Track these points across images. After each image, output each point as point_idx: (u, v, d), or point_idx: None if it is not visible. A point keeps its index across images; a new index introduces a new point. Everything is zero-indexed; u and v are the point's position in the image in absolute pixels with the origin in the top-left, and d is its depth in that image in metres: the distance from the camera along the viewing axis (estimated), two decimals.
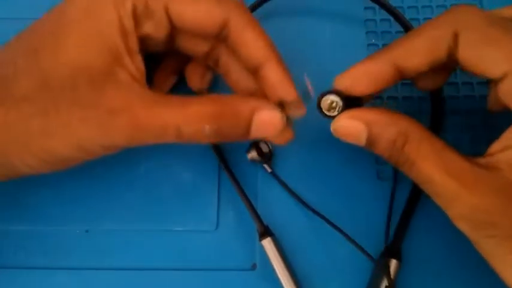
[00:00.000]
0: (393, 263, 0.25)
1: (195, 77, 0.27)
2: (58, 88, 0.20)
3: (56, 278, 0.26)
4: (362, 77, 0.21)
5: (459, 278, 0.26)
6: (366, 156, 0.28)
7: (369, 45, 0.31)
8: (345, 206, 0.27)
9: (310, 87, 0.22)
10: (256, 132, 0.21)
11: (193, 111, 0.20)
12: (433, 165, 0.19)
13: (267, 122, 0.21)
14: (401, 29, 0.30)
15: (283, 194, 0.27)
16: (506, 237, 0.18)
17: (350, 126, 0.21)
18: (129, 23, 0.21)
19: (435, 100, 0.28)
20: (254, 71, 0.23)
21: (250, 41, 0.23)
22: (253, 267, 0.26)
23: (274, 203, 0.27)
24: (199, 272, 0.26)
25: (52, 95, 0.20)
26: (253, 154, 0.27)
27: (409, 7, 0.32)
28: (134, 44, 0.22)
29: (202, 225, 0.27)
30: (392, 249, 0.25)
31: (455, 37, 0.20)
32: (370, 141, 0.21)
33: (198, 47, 0.25)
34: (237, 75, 0.25)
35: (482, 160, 0.19)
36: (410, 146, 0.20)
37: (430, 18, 0.31)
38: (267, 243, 0.25)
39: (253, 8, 0.30)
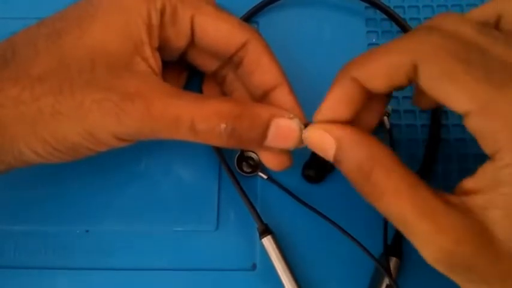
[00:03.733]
0: (394, 261, 0.25)
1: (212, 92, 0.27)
2: (76, 69, 0.20)
3: (56, 278, 0.26)
4: (334, 106, 0.20)
5: None
6: None
7: (369, 44, 0.31)
8: (345, 206, 0.27)
9: None
10: (273, 139, 0.21)
11: (211, 107, 0.20)
12: (404, 201, 0.17)
13: (285, 130, 0.21)
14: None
15: (283, 193, 0.27)
16: (483, 281, 0.17)
17: (319, 138, 0.20)
18: (156, 20, 0.22)
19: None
20: (263, 95, 0.24)
21: (266, 65, 0.23)
22: (253, 267, 0.26)
23: (274, 202, 0.27)
24: (199, 272, 0.26)
25: (68, 75, 0.20)
26: (245, 168, 0.28)
27: (409, 6, 0.32)
28: (156, 41, 0.22)
29: (202, 225, 0.27)
30: (393, 247, 0.25)
31: (415, 67, 0.18)
32: (337, 159, 0.19)
33: (209, 64, 0.25)
34: (239, 95, 0.26)
35: (456, 199, 0.18)
36: (379, 174, 0.18)
37: (430, 18, 0.31)
38: (267, 242, 0.25)
39: (256, 11, 0.30)
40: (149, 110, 0.20)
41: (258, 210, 0.26)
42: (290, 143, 0.21)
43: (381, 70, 0.19)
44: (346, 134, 0.19)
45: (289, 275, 0.24)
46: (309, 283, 0.26)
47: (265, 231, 0.25)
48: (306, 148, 0.28)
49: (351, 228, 0.25)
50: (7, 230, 0.27)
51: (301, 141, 0.21)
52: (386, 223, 0.25)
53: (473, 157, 0.28)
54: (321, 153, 0.20)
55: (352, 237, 0.24)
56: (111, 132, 0.20)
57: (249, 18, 0.30)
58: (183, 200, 0.27)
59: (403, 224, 0.18)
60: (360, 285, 0.26)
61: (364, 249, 0.24)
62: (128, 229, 0.27)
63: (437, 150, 0.27)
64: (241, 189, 0.26)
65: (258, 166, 0.27)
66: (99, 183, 0.28)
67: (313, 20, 0.32)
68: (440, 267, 0.17)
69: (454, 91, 0.17)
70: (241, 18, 0.30)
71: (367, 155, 0.18)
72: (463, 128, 0.29)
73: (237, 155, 0.28)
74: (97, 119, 0.20)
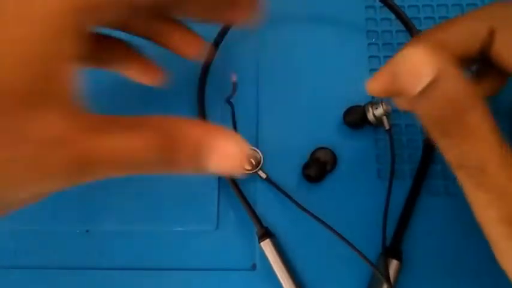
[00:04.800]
0: (394, 264, 0.25)
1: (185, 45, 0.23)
2: None
3: (56, 278, 0.26)
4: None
5: (460, 278, 0.26)
6: (365, 155, 0.28)
7: (369, 44, 0.31)
8: (345, 205, 0.27)
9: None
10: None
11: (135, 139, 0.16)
12: (492, 151, 0.17)
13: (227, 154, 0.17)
14: (402, 28, 0.29)
15: (283, 195, 0.27)
16: None
17: (419, 61, 0.17)
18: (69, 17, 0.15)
19: None
20: None
21: None
22: (253, 267, 0.26)
23: (273, 204, 0.27)
24: (199, 272, 0.26)
25: None
26: (245, 165, 0.27)
27: (409, 6, 0.32)
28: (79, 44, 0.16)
29: (202, 225, 0.27)
30: (393, 249, 0.25)
31: (491, 33, 0.19)
32: (428, 89, 0.17)
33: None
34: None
35: None
36: (474, 115, 0.17)
37: (430, 17, 0.31)
38: (267, 245, 0.25)
39: None
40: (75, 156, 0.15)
41: (258, 211, 0.26)
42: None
43: (458, 35, 0.19)
44: (451, 65, 0.17)
45: (289, 277, 0.25)
46: (309, 285, 0.26)
47: (264, 234, 0.25)
48: (305, 148, 0.28)
49: (350, 228, 0.25)
50: (7, 230, 0.27)
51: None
52: (385, 223, 0.25)
53: None
54: (409, 78, 0.17)
55: (348, 243, 0.24)
56: (29, 190, 0.16)
57: None
58: (183, 200, 0.27)
59: (481, 173, 0.17)
60: (360, 287, 0.26)
61: (361, 254, 0.24)
62: (128, 229, 0.27)
63: (434, 151, 0.27)
64: (240, 192, 0.26)
65: (258, 164, 0.27)
66: (99, 183, 0.27)
67: (313, 19, 0.31)
68: (502, 228, 0.17)
69: None
70: None
71: (467, 93, 0.17)
72: None
73: None
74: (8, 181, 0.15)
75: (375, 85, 0.19)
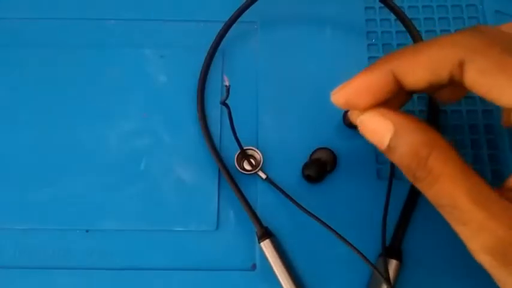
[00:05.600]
0: (393, 264, 0.25)
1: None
2: None
3: (56, 278, 0.26)
4: (360, 89, 0.20)
5: (460, 278, 0.26)
6: (365, 155, 0.28)
7: (369, 45, 0.31)
8: (345, 205, 0.27)
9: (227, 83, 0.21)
10: None
11: None
12: (459, 187, 0.18)
13: None
14: (402, 29, 0.29)
15: (283, 195, 0.27)
16: None
17: (378, 123, 0.20)
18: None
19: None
20: None
21: None
22: (253, 267, 0.26)
23: (273, 204, 0.27)
24: (199, 272, 0.26)
25: None
26: (246, 166, 0.28)
27: (409, 7, 0.32)
28: None
29: (202, 225, 0.27)
30: (392, 249, 0.25)
31: (461, 62, 0.18)
32: (392, 144, 0.19)
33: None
34: None
35: (505, 193, 0.19)
36: (436, 160, 0.18)
37: (430, 18, 0.31)
38: (267, 245, 0.25)
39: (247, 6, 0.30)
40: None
41: (258, 211, 0.26)
42: None
43: (424, 64, 0.19)
44: (404, 119, 0.19)
45: (289, 278, 0.24)
46: (309, 285, 0.26)
47: (264, 234, 0.25)
48: (305, 148, 0.28)
49: (350, 228, 0.25)
50: (7, 230, 0.27)
51: None
52: (385, 223, 0.25)
53: (473, 156, 0.28)
54: (375, 140, 0.20)
55: (348, 243, 0.24)
56: None
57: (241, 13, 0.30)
58: (183, 200, 0.27)
59: (454, 210, 0.18)
60: (360, 286, 0.26)
61: (361, 255, 0.24)
62: (128, 229, 0.27)
63: None
64: (240, 193, 0.26)
65: (258, 164, 0.27)
66: (99, 183, 0.28)
67: (312, 21, 0.32)
68: (488, 259, 0.17)
69: (506, 83, 0.17)
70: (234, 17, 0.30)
71: (425, 140, 0.19)
72: (462, 128, 0.29)
73: (237, 153, 0.28)
74: None
75: (338, 98, 0.21)
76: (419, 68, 0.19)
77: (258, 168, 0.27)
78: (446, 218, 0.19)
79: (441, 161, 0.18)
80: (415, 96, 0.29)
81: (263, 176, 0.27)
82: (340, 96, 0.21)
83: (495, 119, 0.29)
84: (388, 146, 0.19)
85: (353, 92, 0.20)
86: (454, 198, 0.18)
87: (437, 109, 0.28)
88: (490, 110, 0.29)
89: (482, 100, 0.29)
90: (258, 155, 0.27)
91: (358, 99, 0.20)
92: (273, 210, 0.27)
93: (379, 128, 0.20)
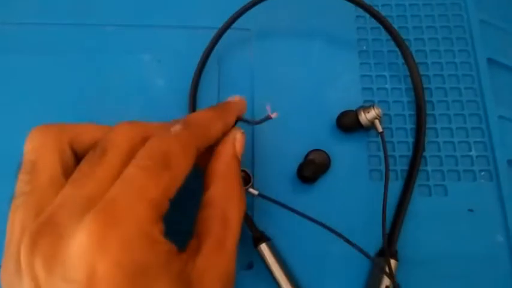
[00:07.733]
0: (392, 263, 0.25)
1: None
2: None
3: None
4: None
5: (456, 278, 0.26)
6: (358, 157, 0.29)
7: (360, 52, 0.32)
8: (338, 206, 0.28)
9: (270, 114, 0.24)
10: None
11: None
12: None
13: None
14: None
15: (279, 195, 0.27)
16: None
17: None
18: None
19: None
20: None
21: None
22: (250, 266, 0.26)
23: (269, 208, 0.27)
24: None
25: None
26: None
27: (398, 16, 0.33)
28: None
29: None
30: (388, 248, 0.26)
31: None
32: None
33: None
34: None
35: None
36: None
37: (418, 27, 0.32)
38: (263, 249, 0.25)
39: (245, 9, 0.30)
40: None
41: (254, 215, 0.27)
42: None
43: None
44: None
45: (285, 280, 0.25)
46: (305, 287, 0.26)
47: (261, 238, 0.25)
48: (300, 152, 0.29)
49: (345, 228, 0.25)
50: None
51: None
52: (384, 223, 0.25)
53: (462, 158, 0.29)
54: None
55: (348, 241, 0.24)
56: None
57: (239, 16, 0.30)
58: (182, 200, 0.27)
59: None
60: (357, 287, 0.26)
61: (363, 252, 0.24)
62: None
63: (421, 152, 0.28)
64: None
65: (249, 181, 0.27)
66: None
67: (305, 27, 0.33)
68: None
69: None
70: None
71: None
72: (451, 130, 0.30)
73: None
74: None
75: None
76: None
77: (249, 185, 0.26)
78: None
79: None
80: (404, 99, 0.30)
81: (255, 192, 0.26)
82: None
83: (483, 122, 0.30)
84: None
85: None
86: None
87: (425, 113, 0.29)
88: (478, 114, 0.30)
89: (470, 104, 0.30)
90: (248, 175, 0.27)
91: None
92: (269, 214, 0.27)
93: None
